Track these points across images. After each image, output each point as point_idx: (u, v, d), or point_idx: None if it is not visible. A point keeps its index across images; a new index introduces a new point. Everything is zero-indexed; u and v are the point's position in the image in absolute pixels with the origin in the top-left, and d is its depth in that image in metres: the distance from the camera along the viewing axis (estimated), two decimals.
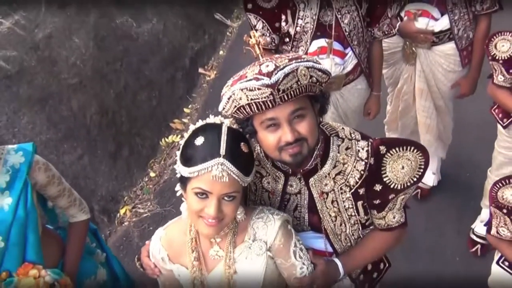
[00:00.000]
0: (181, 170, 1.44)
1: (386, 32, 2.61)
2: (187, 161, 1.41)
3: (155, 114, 4.08)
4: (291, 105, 1.41)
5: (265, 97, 1.37)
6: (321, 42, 2.50)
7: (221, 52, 4.92)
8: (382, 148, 1.59)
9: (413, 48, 2.84)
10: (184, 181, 1.45)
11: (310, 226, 1.70)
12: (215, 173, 1.37)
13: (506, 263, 2.16)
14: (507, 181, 1.93)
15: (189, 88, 4.42)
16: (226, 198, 1.42)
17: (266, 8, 2.47)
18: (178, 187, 1.54)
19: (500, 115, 2.65)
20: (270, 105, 1.39)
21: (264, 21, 2.51)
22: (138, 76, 4.13)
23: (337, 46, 2.51)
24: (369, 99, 2.78)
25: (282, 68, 1.37)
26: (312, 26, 2.47)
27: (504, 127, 2.64)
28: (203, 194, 1.41)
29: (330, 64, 2.50)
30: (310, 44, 2.50)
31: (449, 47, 2.79)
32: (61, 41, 3.81)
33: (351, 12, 2.47)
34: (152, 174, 3.78)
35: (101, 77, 3.88)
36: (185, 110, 4.22)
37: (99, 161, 3.58)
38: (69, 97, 3.62)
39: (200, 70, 4.64)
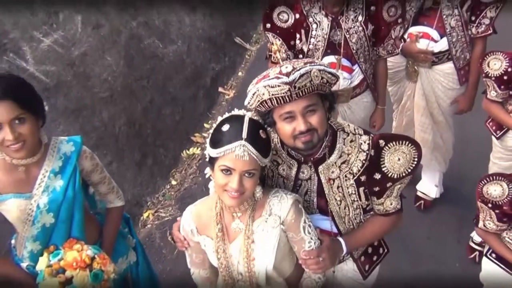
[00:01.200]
0: (210, 152, 1.72)
1: (390, 51, 2.90)
2: (215, 144, 1.69)
3: (178, 128, 4.39)
4: (305, 101, 1.70)
5: (283, 93, 1.66)
6: (331, 58, 2.79)
7: (240, 73, 5.24)
8: (381, 142, 1.86)
9: (415, 67, 3.12)
10: (212, 161, 1.73)
11: (318, 209, 1.96)
12: (238, 152, 1.65)
13: (494, 255, 2.38)
14: (491, 178, 2.18)
15: (209, 105, 4.73)
16: (246, 174, 1.69)
17: (282, 27, 2.77)
18: (207, 170, 1.82)
19: (494, 128, 2.90)
20: (288, 100, 1.68)
21: (280, 39, 2.81)
22: (163, 92, 4.45)
23: (345, 62, 2.80)
24: (375, 112, 3.05)
25: (299, 70, 1.66)
26: (323, 44, 2.76)
27: (498, 138, 2.88)
28: (227, 171, 1.69)
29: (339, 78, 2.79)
30: (321, 60, 2.77)
31: (448, 67, 3.06)
32: (94, 58, 4.15)
33: (358, 33, 2.75)
34: (173, 182, 4.07)
35: (129, 92, 4.20)
36: (205, 125, 4.52)
37: (125, 168, 3.87)
38: (100, 109, 3.94)
39: (220, 89, 4.96)
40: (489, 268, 2.44)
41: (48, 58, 3.86)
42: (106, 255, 2.08)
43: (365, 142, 1.87)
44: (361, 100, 2.96)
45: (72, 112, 3.77)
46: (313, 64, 1.70)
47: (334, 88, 2.60)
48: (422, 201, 3.64)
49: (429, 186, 3.64)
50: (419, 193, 3.68)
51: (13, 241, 2.18)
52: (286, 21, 2.78)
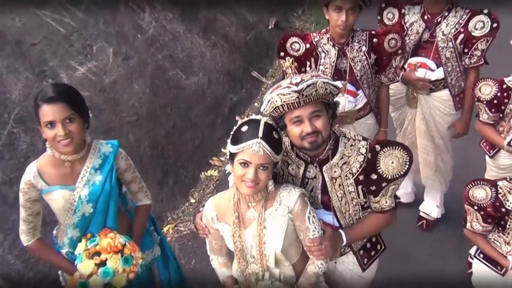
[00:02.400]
0: (231, 149, 2.03)
1: (391, 79, 3.20)
2: (236, 141, 2.01)
3: (197, 152, 4.71)
4: (311, 107, 2.02)
5: (293, 100, 1.98)
6: (338, 83, 3.05)
7: (256, 104, 5.58)
8: (377, 147, 2.16)
9: (415, 94, 3.43)
10: (232, 157, 2.04)
11: (322, 205, 2.25)
12: (254, 148, 1.96)
13: (481, 255, 2.62)
14: (476, 183, 2.44)
15: (227, 132, 5.02)
16: (261, 167, 1.99)
17: (294, 56, 3.09)
18: (227, 166, 2.13)
19: (487, 147, 3.17)
20: (296, 106, 2.00)
21: (296, 72, 3.14)
22: (185, 119, 4.80)
23: (350, 87, 3.11)
24: (378, 133, 3.34)
25: (306, 81, 1.99)
26: (330, 71, 3.09)
27: (491, 157, 3.15)
28: (245, 164, 1.99)
29: (344, 101, 3.09)
30: None
31: (444, 94, 3.36)
32: (123, 86, 4.55)
33: (362, 61, 3.08)
34: (192, 201, 4.37)
35: (154, 117, 4.57)
36: (223, 150, 4.83)
37: (148, 186, 4.07)
38: (127, 131, 4.30)
39: (237, 118, 5.23)
40: (478, 268, 2.68)
41: (82, 84, 4.25)
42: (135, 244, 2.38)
43: (363, 147, 2.17)
44: (364, 122, 3.25)
45: (102, 132, 4.12)
46: (318, 77, 2.03)
47: (339, 110, 2.95)
48: (424, 221, 3.89)
49: (431, 207, 3.88)
50: (421, 213, 3.92)
51: (54, 232, 2.50)
52: (298, 50, 3.13)
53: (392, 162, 2.15)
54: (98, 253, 2.25)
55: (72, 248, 2.35)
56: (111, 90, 4.45)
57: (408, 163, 2.16)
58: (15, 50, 4.11)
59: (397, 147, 2.16)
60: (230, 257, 2.34)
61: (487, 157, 3.21)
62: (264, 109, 2.08)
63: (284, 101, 2.00)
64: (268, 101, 2.05)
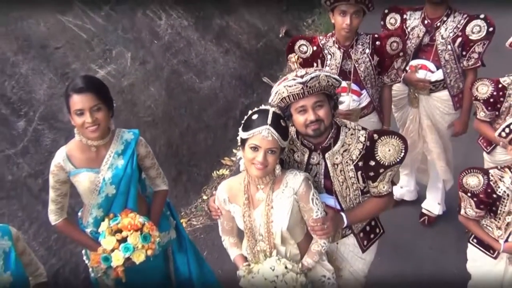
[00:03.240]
0: (242, 135, 2.24)
1: (393, 79, 3.41)
2: (247, 128, 2.22)
3: (210, 151, 4.94)
4: (314, 98, 2.23)
5: (298, 91, 2.20)
6: (343, 83, 3.30)
7: None
8: (375, 136, 2.37)
9: (416, 94, 3.62)
10: (243, 142, 2.25)
11: (325, 189, 2.45)
12: (264, 134, 2.17)
13: (475, 240, 2.80)
14: (470, 171, 2.62)
15: (238, 133, 5.27)
16: (269, 151, 2.20)
17: (302, 57, 3.30)
18: (239, 153, 2.34)
19: (485, 144, 3.35)
20: (301, 96, 2.21)
21: (301, 67, 3.36)
22: (198, 120, 5.04)
23: (354, 87, 3.31)
24: None
25: (310, 74, 2.20)
26: (336, 72, 3.28)
27: (488, 153, 3.33)
28: (255, 148, 2.20)
29: (349, 100, 3.30)
30: None
31: (443, 94, 3.56)
32: (140, 88, 4.80)
33: (365, 63, 3.28)
34: (204, 197, 4.58)
35: (169, 118, 4.81)
36: (234, 150, 5.04)
37: None
38: (144, 130, 4.52)
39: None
40: (472, 254, 2.85)
41: None
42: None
43: (362, 136, 2.38)
44: (368, 120, 3.44)
45: None
46: (321, 71, 2.25)
47: (345, 108, 3.15)
48: (426, 217, 4.07)
49: (432, 204, 4.06)
50: (423, 210, 4.10)
51: (79, 214, 2.72)
52: (305, 52, 3.34)
53: (389, 150, 2.35)
54: (119, 231, 2.46)
55: (96, 227, 2.57)
56: (129, 92, 4.69)
57: (403, 151, 2.36)
58: (40, 53, 4.38)
59: (393, 136, 2.36)
60: (240, 237, 2.55)
61: (484, 154, 3.38)
62: (272, 100, 2.30)
63: (290, 92, 2.21)
64: (276, 93, 2.26)
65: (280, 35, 6.75)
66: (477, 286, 2.90)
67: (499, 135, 2.59)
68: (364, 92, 3.35)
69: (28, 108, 4.04)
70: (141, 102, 4.71)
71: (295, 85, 2.19)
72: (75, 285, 3.59)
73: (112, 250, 2.44)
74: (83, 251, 2.79)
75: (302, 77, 2.19)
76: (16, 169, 3.76)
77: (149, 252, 2.48)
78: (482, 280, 2.85)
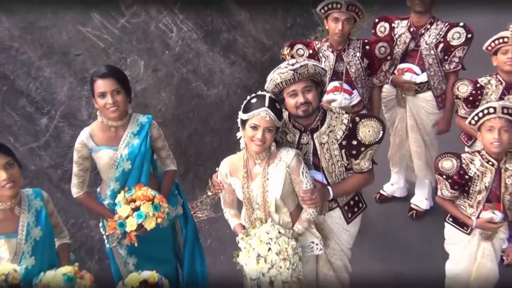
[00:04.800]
0: (243, 116, 2.59)
1: (382, 81, 3.78)
2: (247, 110, 2.57)
3: (215, 153, 5.29)
4: (304, 83, 2.59)
5: (289, 77, 2.56)
6: (335, 83, 3.67)
7: None
8: (357, 118, 2.72)
9: (403, 95, 3.98)
10: (244, 123, 2.60)
11: (313, 166, 2.79)
12: (262, 114, 2.52)
13: (451, 219, 3.11)
14: (445, 155, 2.96)
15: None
16: (267, 130, 2.54)
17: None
18: (239, 133, 2.69)
19: (466, 138, 3.68)
20: (292, 81, 2.57)
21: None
22: (205, 124, 5.41)
23: (346, 86, 3.66)
24: None
25: (300, 62, 2.56)
26: (329, 73, 3.65)
27: (469, 147, 3.65)
28: (255, 127, 2.55)
29: (341, 98, 3.65)
30: (328, 84, 3.67)
31: (428, 95, 3.91)
32: (152, 93, 5.19)
33: (356, 65, 3.65)
34: (209, 193, 4.86)
35: (178, 121, 5.18)
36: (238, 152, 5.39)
37: None
38: None
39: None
40: (448, 232, 3.17)
41: None
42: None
43: (345, 118, 2.73)
44: None
45: None
46: (310, 60, 2.61)
47: (337, 105, 3.50)
48: (414, 211, 4.38)
49: (420, 199, 4.38)
50: (412, 205, 4.42)
51: (98, 189, 3.07)
52: (302, 55, 3.72)
53: (369, 131, 2.69)
54: (133, 201, 2.81)
55: (113, 199, 2.91)
56: (141, 96, 5.08)
57: (381, 131, 2.70)
58: (62, 59, 4.78)
59: (373, 119, 2.71)
60: (239, 210, 2.88)
61: (466, 148, 3.71)
62: (267, 87, 2.66)
63: (282, 78, 2.57)
64: (270, 80, 2.63)
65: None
66: (454, 262, 3.20)
67: (469, 122, 2.93)
68: (355, 91, 3.71)
69: (50, 107, 4.42)
70: (153, 105, 5.09)
71: (287, 72, 2.56)
72: (90, 265, 3.92)
73: (127, 217, 2.78)
74: (100, 224, 3.13)
75: (293, 65, 2.56)
76: (39, 161, 4.13)
77: (159, 220, 2.81)
78: (458, 257, 3.15)
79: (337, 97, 3.66)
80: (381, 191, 4.64)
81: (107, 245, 3.13)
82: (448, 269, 3.26)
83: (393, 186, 4.58)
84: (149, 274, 2.38)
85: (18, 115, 4.22)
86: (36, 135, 4.22)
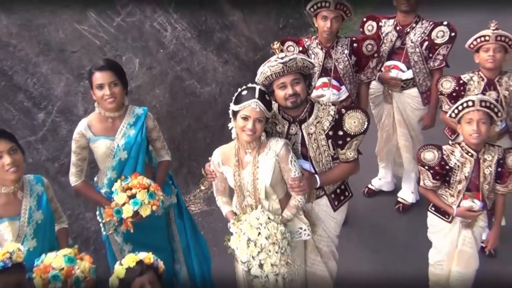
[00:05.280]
0: (234, 108, 2.72)
1: (369, 77, 3.93)
2: (239, 101, 2.69)
3: (208, 149, 5.33)
4: (292, 76, 2.73)
5: (279, 69, 2.69)
6: (324, 79, 3.81)
7: None
8: (343, 110, 2.86)
9: (390, 91, 4.13)
10: (235, 114, 2.72)
11: (301, 155, 2.92)
12: (253, 106, 2.65)
13: (433, 208, 3.26)
14: (427, 147, 3.11)
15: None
16: (257, 121, 2.67)
17: None
18: (230, 124, 2.82)
19: (449, 133, 3.82)
20: (282, 74, 2.70)
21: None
22: (199, 121, 5.54)
23: (334, 82, 3.80)
24: None
25: (289, 56, 2.70)
26: (319, 69, 3.80)
27: (452, 141, 3.79)
28: (246, 118, 2.67)
29: (329, 93, 3.79)
30: (317, 80, 3.81)
31: (413, 91, 4.06)
32: (147, 90, 5.31)
33: (344, 62, 3.80)
34: (202, 188, 5.06)
35: (172, 117, 5.31)
36: None
37: None
38: None
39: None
40: (431, 221, 3.31)
41: None
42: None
43: (332, 110, 2.87)
44: None
45: None
46: (298, 54, 2.75)
47: (325, 100, 3.63)
48: (401, 205, 4.53)
49: (406, 193, 4.53)
50: (399, 199, 4.57)
51: (95, 178, 3.19)
52: (293, 52, 3.84)
53: (354, 122, 2.83)
54: (130, 189, 2.92)
55: (109, 187, 3.03)
56: (136, 92, 5.20)
57: (366, 122, 2.84)
58: (58, 56, 4.90)
59: (358, 111, 2.85)
60: (230, 197, 3.01)
61: (450, 142, 3.84)
62: (258, 79, 2.79)
63: (272, 71, 2.71)
64: (261, 72, 2.76)
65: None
66: (436, 250, 3.35)
67: (450, 115, 3.08)
68: (343, 87, 3.85)
69: (47, 102, 4.54)
70: (147, 102, 5.21)
71: (276, 65, 2.69)
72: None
73: (123, 204, 2.90)
74: (97, 212, 3.24)
75: (282, 58, 2.69)
76: (36, 154, 4.25)
77: (154, 208, 2.93)
78: (440, 244, 3.30)
79: (326, 93, 3.79)
80: (369, 186, 4.79)
81: (104, 233, 3.24)
82: (431, 256, 3.40)
83: (381, 181, 4.73)
84: (145, 255, 2.49)
85: (16, 109, 4.33)
86: (33, 129, 4.34)
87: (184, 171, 5.09)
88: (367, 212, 4.62)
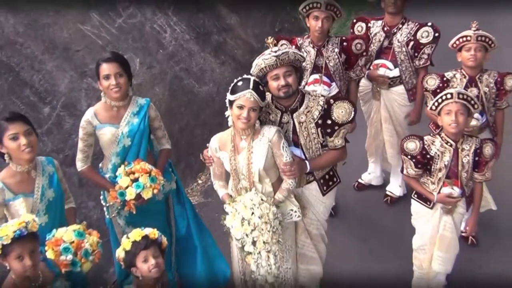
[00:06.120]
0: (230, 97, 2.95)
1: (358, 75, 4.16)
2: (234, 92, 2.92)
3: (205, 145, 5.56)
4: (285, 68, 2.96)
5: (272, 62, 2.92)
6: (316, 76, 4.04)
7: None
8: (331, 101, 3.09)
9: (378, 88, 4.37)
10: (231, 103, 2.95)
11: (293, 143, 3.15)
12: (247, 96, 2.88)
13: (416, 195, 3.48)
14: (409, 137, 3.33)
15: None
16: (251, 110, 2.89)
17: None
18: (227, 112, 3.04)
19: (434, 127, 4.04)
20: (275, 66, 2.93)
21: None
22: (196, 118, 5.76)
23: (325, 79, 4.03)
24: None
25: (282, 50, 2.93)
26: (310, 66, 4.03)
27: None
28: (241, 107, 2.90)
29: (320, 89, 4.00)
30: (309, 76, 4.05)
31: (400, 88, 4.30)
32: (147, 88, 5.53)
33: (334, 60, 4.03)
34: (199, 181, 5.28)
35: (171, 114, 5.53)
36: None
37: None
38: None
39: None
40: (414, 208, 3.53)
41: None
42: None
43: (321, 100, 3.10)
44: None
45: None
46: (290, 48, 2.99)
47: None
48: (389, 197, 4.76)
49: (394, 187, 4.76)
50: (387, 192, 4.80)
51: (100, 165, 3.41)
52: None
53: (342, 112, 3.06)
54: (133, 173, 3.14)
55: (113, 172, 3.24)
56: (137, 90, 5.37)
57: (353, 112, 3.07)
58: (63, 54, 5.13)
59: (345, 101, 3.08)
60: (226, 181, 3.23)
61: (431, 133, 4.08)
62: (253, 71, 3.02)
63: (266, 63, 2.94)
64: (256, 65, 2.99)
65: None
66: (419, 235, 3.57)
67: (430, 108, 3.31)
68: (333, 84, 4.08)
69: (52, 97, 4.76)
70: None
71: (270, 58, 2.92)
72: None
73: (127, 187, 3.11)
74: (101, 197, 3.45)
75: (276, 52, 2.93)
76: (42, 146, 4.45)
77: (155, 191, 3.15)
78: (423, 229, 3.52)
79: (317, 89, 4.02)
80: (359, 180, 5.01)
81: (107, 216, 3.45)
82: (414, 242, 3.62)
83: (370, 175, 4.95)
84: (150, 231, 2.72)
85: (22, 103, 4.54)
86: (39, 123, 4.54)
87: (182, 165, 5.30)
88: (357, 204, 4.84)
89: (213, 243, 3.73)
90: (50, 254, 2.59)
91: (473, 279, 3.93)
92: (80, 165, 3.28)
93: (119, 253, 2.70)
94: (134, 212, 3.16)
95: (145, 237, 2.68)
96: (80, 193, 4.42)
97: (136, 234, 2.68)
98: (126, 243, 2.67)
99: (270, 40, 3.06)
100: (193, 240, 3.59)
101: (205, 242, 3.66)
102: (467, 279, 3.89)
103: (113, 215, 3.39)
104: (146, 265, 2.68)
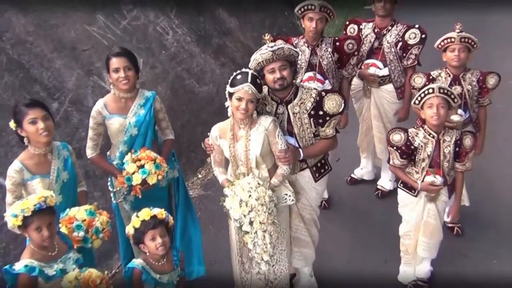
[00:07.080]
0: (230, 90, 3.19)
1: (350, 73, 4.43)
2: (233, 84, 3.16)
3: None
4: (280, 62, 3.21)
5: (269, 56, 3.18)
6: (310, 73, 4.30)
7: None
8: (323, 93, 3.34)
9: (369, 87, 4.63)
10: (230, 95, 3.20)
11: (287, 132, 3.40)
12: (246, 89, 3.13)
13: (402, 185, 3.73)
14: (394, 130, 3.59)
15: None
16: (249, 101, 3.14)
17: None
18: (227, 102, 3.29)
19: (421, 123, 4.28)
20: (271, 61, 3.19)
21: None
22: (197, 116, 6.02)
23: (319, 76, 4.29)
24: None
25: (278, 45, 3.19)
26: (305, 65, 4.30)
27: None
28: (240, 99, 3.14)
29: (314, 86, 4.26)
30: (304, 74, 4.32)
31: (389, 86, 4.57)
32: (149, 87, 5.68)
33: (328, 58, 4.30)
34: (199, 176, 5.52)
35: (172, 112, 5.77)
36: None
37: None
38: None
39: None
40: (400, 197, 3.78)
41: None
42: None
43: (314, 93, 3.35)
44: None
45: None
46: (285, 44, 3.25)
47: None
48: (380, 191, 5.02)
49: (385, 181, 5.02)
50: (378, 186, 5.05)
51: (108, 152, 3.66)
52: None
53: (333, 103, 3.31)
54: (139, 160, 3.38)
55: (121, 160, 3.49)
56: None
57: (343, 104, 3.32)
58: (71, 53, 5.39)
59: (336, 94, 3.34)
60: (225, 168, 3.48)
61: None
62: (251, 65, 3.28)
63: (263, 58, 3.20)
64: (253, 59, 3.25)
65: None
66: (405, 222, 3.82)
67: (414, 102, 3.57)
68: (326, 81, 4.34)
69: (60, 93, 5.01)
70: None
71: (267, 52, 3.18)
72: None
73: (133, 173, 3.35)
74: (109, 183, 3.70)
75: (272, 47, 3.19)
76: None
77: (160, 177, 3.39)
78: (408, 216, 3.77)
79: (311, 86, 4.26)
80: (352, 175, 5.27)
81: (114, 201, 3.70)
82: (400, 229, 3.87)
83: (362, 170, 5.21)
84: (159, 211, 2.96)
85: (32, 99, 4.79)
86: None
87: (183, 160, 5.55)
88: (350, 198, 5.09)
89: (198, 233, 3.94)
90: (63, 231, 2.84)
91: (458, 267, 4.16)
92: (90, 152, 3.52)
93: (129, 230, 2.94)
94: (140, 197, 3.39)
95: (154, 217, 2.92)
96: (86, 184, 4.64)
97: (145, 213, 2.91)
98: (135, 221, 2.91)
99: (267, 36, 3.32)
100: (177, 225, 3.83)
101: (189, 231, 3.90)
102: (452, 267, 4.13)
103: (119, 200, 3.62)
104: (154, 243, 2.91)
